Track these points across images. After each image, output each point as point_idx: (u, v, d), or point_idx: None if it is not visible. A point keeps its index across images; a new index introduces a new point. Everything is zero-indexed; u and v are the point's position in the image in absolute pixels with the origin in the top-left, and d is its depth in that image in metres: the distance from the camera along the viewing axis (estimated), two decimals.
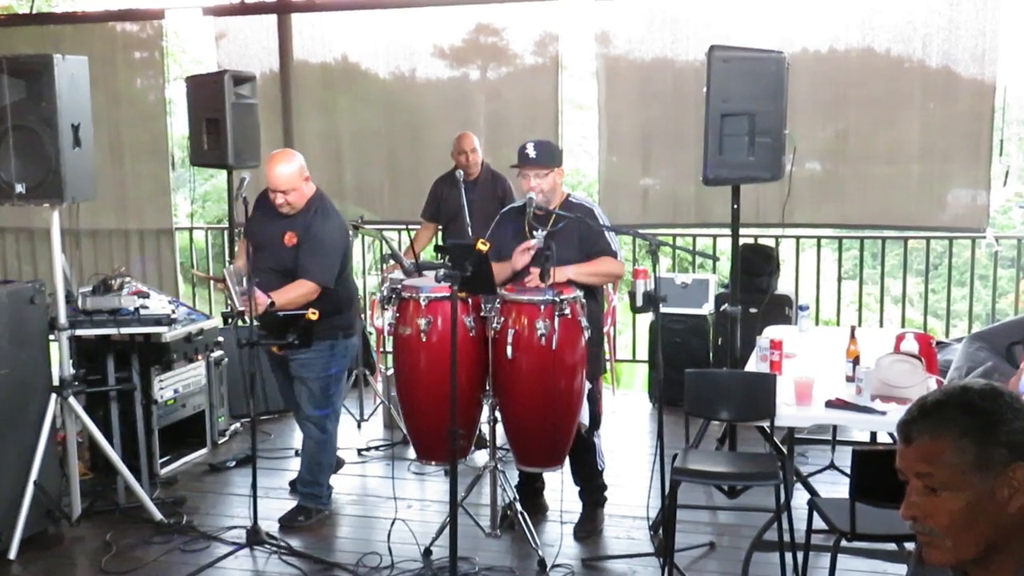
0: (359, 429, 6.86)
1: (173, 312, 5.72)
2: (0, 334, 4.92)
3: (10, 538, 4.94)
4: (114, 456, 5.37)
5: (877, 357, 4.72)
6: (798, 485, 5.18)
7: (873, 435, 5.55)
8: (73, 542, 5.21)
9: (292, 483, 5.77)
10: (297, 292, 5.09)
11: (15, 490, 4.98)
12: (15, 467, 5.00)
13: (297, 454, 5.81)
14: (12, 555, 4.92)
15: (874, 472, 3.78)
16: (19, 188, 5.02)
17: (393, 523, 5.03)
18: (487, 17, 8.28)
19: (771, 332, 5.50)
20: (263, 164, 6.90)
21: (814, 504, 4.23)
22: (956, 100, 7.27)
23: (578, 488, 5.32)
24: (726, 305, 5.72)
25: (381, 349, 7.55)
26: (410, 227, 7.22)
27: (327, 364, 5.27)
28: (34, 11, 9.10)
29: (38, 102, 4.99)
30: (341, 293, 5.31)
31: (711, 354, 7.08)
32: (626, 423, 7.05)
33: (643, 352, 7.99)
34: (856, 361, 4.82)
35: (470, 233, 6.19)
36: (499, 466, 5.04)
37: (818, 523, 4.18)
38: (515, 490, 5.17)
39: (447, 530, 4.54)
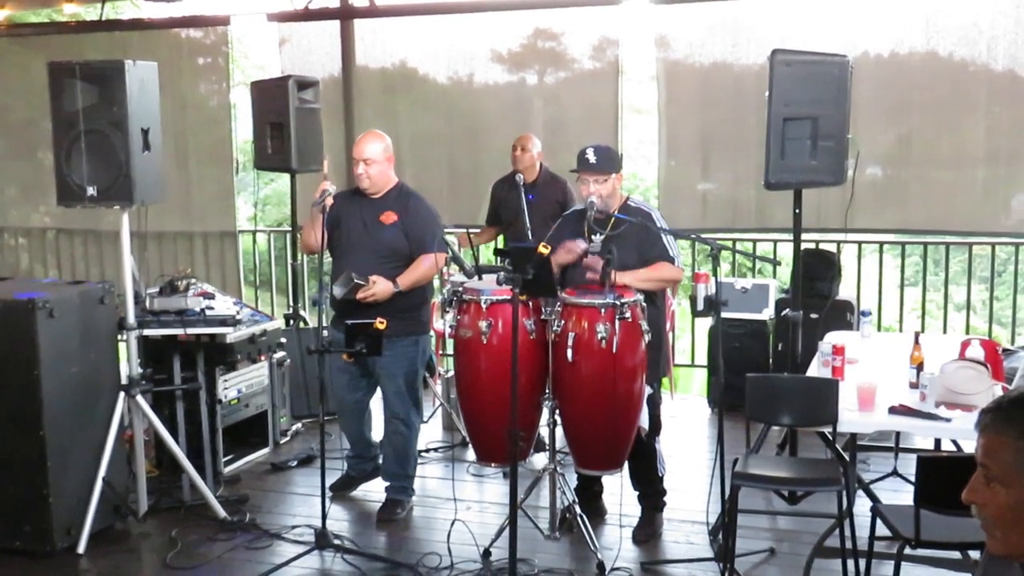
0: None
1: (238, 313, 5.82)
2: (70, 334, 5.04)
3: (79, 533, 5.05)
4: (180, 454, 5.47)
5: (942, 363, 4.67)
6: (860, 492, 5.14)
7: (937, 443, 5.47)
8: (139, 538, 5.31)
9: (337, 484, 5.80)
10: (421, 269, 5.34)
11: (84, 486, 5.09)
12: (84, 464, 5.11)
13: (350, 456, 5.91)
14: (81, 549, 5.03)
15: (939, 479, 3.75)
16: (90, 190, 5.13)
17: (453, 524, 5.05)
18: (545, 22, 8.31)
19: (833, 338, 5.46)
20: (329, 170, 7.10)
21: (877, 510, 4.19)
22: (1023, 104, 7.15)
23: (637, 492, 5.31)
24: (787, 310, 5.68)
25: (440, 351, 7.60)
26: (470, 230, 7.25)
27: (413, 359, 5.42)
28: (103, 18, 9.24)
29: (109, 106, 5.10)
30: (427, 287, 5.55)
31: (771, 359, 7.03)
32: (684, 428, 7.03)
33: (702, 357, 7.96)
34: (920, 367, 4.77)
35: (530, 236, 6.21)
36: (558, 469, 5.05)
37: (881, 530, 4.15)
38: (574, 493, 5.18)
39: (506, 532, 4.57)
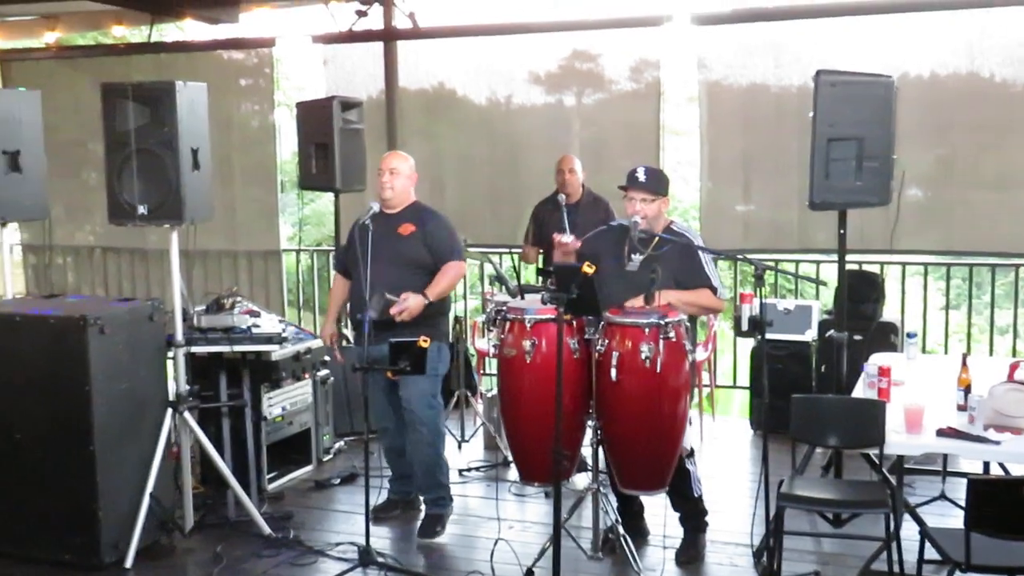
0: (459, 450, 6.91)
1: (283, 331, 5.87)
2: (120, 350, 5.11)
3: (127, 547, 5.10)
4: (226, 470, 5.52)
5: (990, 385, 4.63)
6: (906, 515, 5.09)
7: (986, 466, 5.41)
8: (185, 553, 5.35)
9: (379, 507, 5.76)
10: (447, 278, 5.50)
11: (132, 501, 5.15)
12: (132, 479, 5.16)
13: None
14: (128, 564, 5.08)
15: (990, 502, 3.72)
16: (141, 209, 5.21)
17: (495, 543, 5.06)
18: (584, 44, 8.36)
19: (878, 359, 5.43)
20: (369, 188, 7.19)
21: (927, 533, 4.16)
22: None
23: (678, 514, 5.30)
24: (831, 331, 5.65)
25: (482, 371, 7.63)
26: (512, 250, 7.29)
27: (435, 366, 5.47)
28: (150, 40, 9.39)
29: (160, 127, 5.18)
30: (445, 299, 5.64)
31: (814, 381, 7.00)
32: (726, 449, 7.01)
33: (743, 378, 7.93)
34: (968, 389, 4.73)
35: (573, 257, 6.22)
36: (601, 489, 5.04)
37: (929, 553, 4.12)
38: (617, 513, 5.17)
39: (549, 551, 4.57)
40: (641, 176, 5.02)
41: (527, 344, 4.86)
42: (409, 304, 5.31)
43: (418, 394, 5.47)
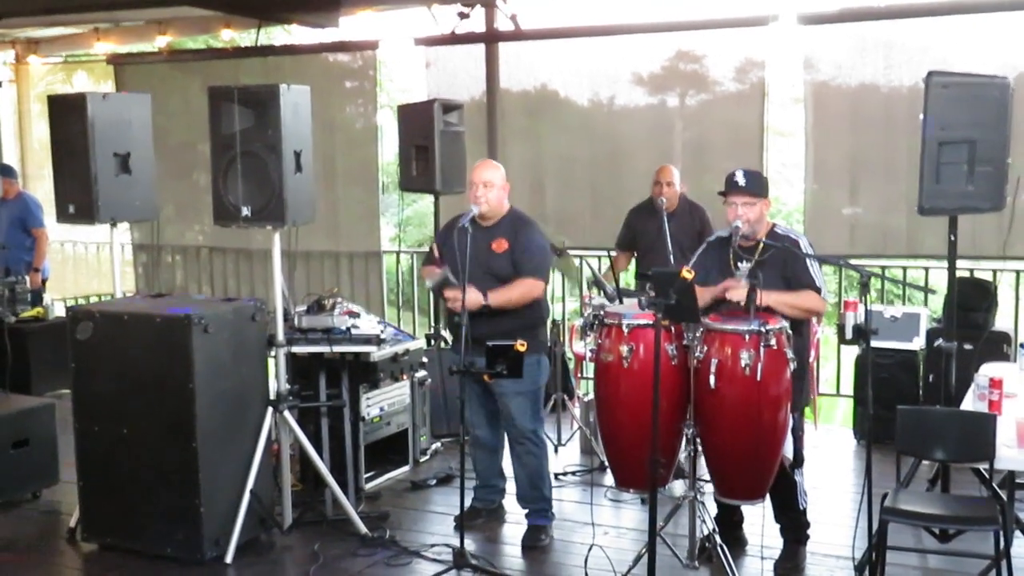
0: (556, 453, 6.87)
1: (382, 332, 5.92)
2: (223, 349, 5.21)
3: (227, 543, 5.19)
4: (324, 469, 5.59)
5: None
6: (1017, 533, 4.91)
7: None
8: (283, 550, 5.43)
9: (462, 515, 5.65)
10: (517, 290, 5.34)
11: (233, 498, 5.24)
12: (233, 476, 5.26)
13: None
14: (228, 559, 5.18)
15: None
16: (245, 211, 5.29)
17: (590, 549, 5.03)
18: (688, 44, 8.27)
19: (989, 370, 5.24)
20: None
21: None
22: None
23: (779, 524, 5.19)
24: (940, 340, 5.48)
25: (579, 374, 7.59)
26: (611, 252, 7.24)
27: (536, 378, 5.44)
28: (257, 43, 9.59)
29: (264, 130, 5.26)
30: (544, 308, 5.58)
31: (921, 391, 6.80)
32: (829, 459, 6.84)
33: (847, 386, 7.75)
34: None
35: (671, 261, 6.16)
36: (698, 497, 4.97)
37: None
38: (714, 522, 5.08)
39: (644, 559, 4.51)
40: (741, 180, 4.92)
41: (624, 349, 4.81)
42: (466, 298, 5.14)
43: (519, 409, 5.46)
